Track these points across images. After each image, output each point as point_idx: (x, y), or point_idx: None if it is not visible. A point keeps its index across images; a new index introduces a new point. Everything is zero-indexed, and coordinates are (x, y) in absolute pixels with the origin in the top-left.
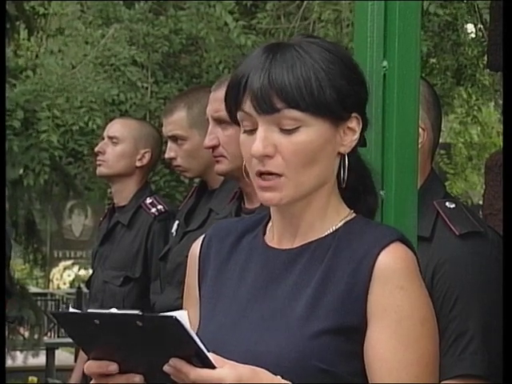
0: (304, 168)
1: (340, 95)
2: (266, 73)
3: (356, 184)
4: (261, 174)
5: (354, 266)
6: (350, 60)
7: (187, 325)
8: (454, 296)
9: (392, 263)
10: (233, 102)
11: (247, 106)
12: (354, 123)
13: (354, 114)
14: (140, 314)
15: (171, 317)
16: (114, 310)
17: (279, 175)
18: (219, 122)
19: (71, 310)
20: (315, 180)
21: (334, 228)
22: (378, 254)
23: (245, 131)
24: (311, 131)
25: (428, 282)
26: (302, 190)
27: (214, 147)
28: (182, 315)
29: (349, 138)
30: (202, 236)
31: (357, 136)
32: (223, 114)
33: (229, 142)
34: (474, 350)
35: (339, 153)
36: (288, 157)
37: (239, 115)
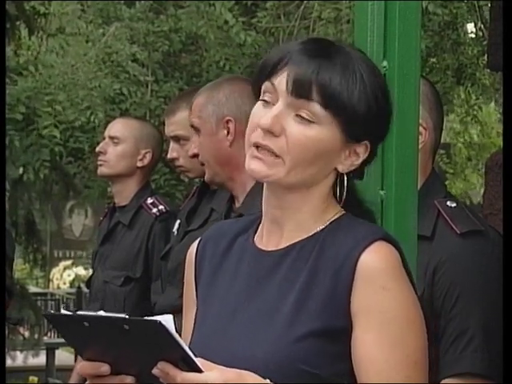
0: (302, 161)
1: (367, 117)
2: (317, 61)
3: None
4: (257, 147)
5: (337, 267)
6: (387, 91)
7: (172, 329)
8: (455, 294)
9: (375, 263)
10: (266, 71)
11: (278, 80)
12: (362, 149)
13: (365, 141)
14: (126, 317)
15: (156, 321)
16: (101, 313)
17: (277, 156)
18: (194, 130)
19: (62, 311)
20: (305, 177)
21: (320, 228)
22: (360, 253)
23: (262, 100)
24: (323, 132)
25: (429, 281)
26: (289, 179)
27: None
28: (167, 320)
29: (350, 161)
30: (199, 238)
31: (359, 162)
32: (192, 121)
33: (200, 149)
34: (474, 349)
35: (335, 169)
36: (293, 144)
37: (265, 85)
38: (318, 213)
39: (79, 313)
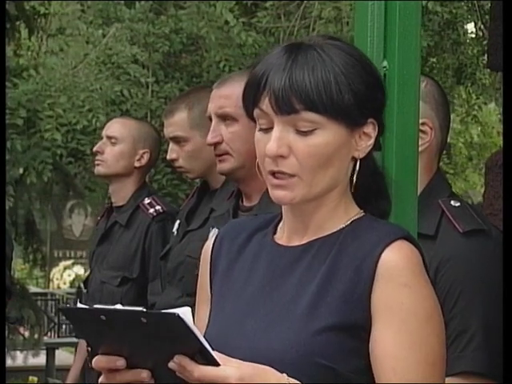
0: (318, 170)
1: (358, 100)
2: (287, 73)
3: (368, 187)
4: (274, 173)
5: (358, 264)
6: (370, 64)
7: (190, 322)
8: (457, 293)
9: (396, 260)
10: (251, 99)
11: (265, 104)
12: (370, 128)
13: (370, 120)
14: (144, 310)
15: (174, 314)
16: (119, 306)
17: (292, 175)
18: (223, 118)
19: (79, 305)
20: (328, 182)
21: (341, 226)
22: (382, 251)
23: (260, 129)
24: (327, 134)
25: (431, 280)
26: (314, 191)
27: (216, 144)
28: (185, 312)
29: (364, 143)
30: (216, 234)
31: (372, 141)
32: (228, 109)
33: (233, 138)
34: (475, 348)
35: (353, 157)
36: (302, 159)
37: (256, 113)
38: (339, 211)
39: (96, 306)
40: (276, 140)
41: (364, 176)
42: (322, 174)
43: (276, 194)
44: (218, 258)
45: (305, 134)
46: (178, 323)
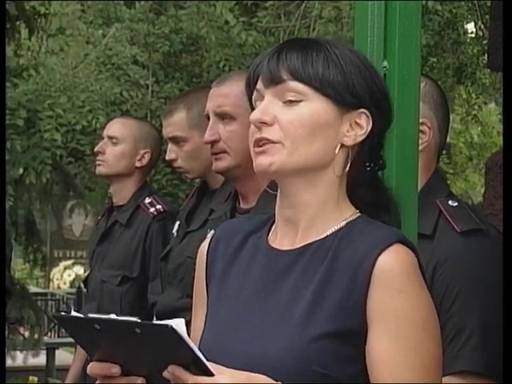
0: (300, 140)
1: (348, 80)
2: (278, 52)
3: (371, 200)
4: (258, 143)
5: (354, 269)
6: (370, 64)
7: (184, 334)
8: (454, 292)
9: (392, 265)
10: (250, 87)
11: (259, 84)
12: (363, 120)
13: (363, 110)
14: (138, 321)
15: (167, 326)
16: (113, 316)
17: (276, 142)
18: (221, 117)
19: (73, 313)
20: (311, 158)
21: (335, 228)
22: (378, 256)
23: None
24: (312, 107)
25: (428, 279)
26: (294, 162)
27: (213, 142)
28: (178, 324)
29: (354, 132)
30: (211, 235)
31: (363, 132)
32: (226, 108)
33: (231, 137)
34: (473, 347)
35: (343, 145)
36: (285, 126)
37: (254, 97)
38: (330, 207)
39: (90, 315)
40: (261, 108)
41: (365, 187)
42: (304, 146)
43: (257, 161)
44: (213, 260)
45: (291, 104)
46: (172, 335)
